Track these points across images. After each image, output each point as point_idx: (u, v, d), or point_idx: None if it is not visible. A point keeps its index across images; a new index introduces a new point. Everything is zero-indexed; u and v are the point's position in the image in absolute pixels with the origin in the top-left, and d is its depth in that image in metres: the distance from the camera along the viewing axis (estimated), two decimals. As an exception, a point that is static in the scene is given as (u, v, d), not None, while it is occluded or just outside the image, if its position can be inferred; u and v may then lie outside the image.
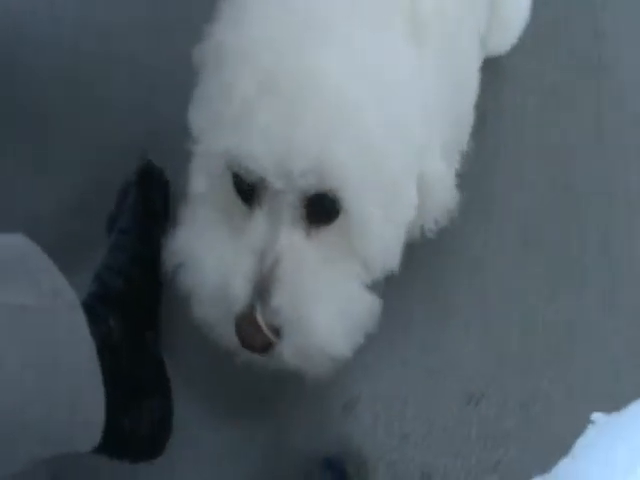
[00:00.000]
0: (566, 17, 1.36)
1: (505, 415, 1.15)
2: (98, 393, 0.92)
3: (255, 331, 0.71)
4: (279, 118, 0.66)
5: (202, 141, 0.74)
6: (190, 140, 0.74)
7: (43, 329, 0.83)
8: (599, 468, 0.50)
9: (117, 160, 1.28)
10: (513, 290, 1.21)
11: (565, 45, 1.35)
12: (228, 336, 0.75)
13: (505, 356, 1.17)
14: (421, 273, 1.21)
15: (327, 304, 0.73)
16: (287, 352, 0.73)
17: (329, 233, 0.73)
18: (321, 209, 0.71)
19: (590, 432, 0.56)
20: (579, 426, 0.56)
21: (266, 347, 0.72)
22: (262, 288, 0.70)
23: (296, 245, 0.71)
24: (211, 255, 0.75)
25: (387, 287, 1.20)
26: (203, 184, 0.76)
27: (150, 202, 1.21)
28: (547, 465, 0.55)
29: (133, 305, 1.10)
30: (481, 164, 1.26)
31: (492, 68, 1.21)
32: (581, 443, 0.55)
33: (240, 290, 0.71)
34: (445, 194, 0.82)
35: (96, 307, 1.04)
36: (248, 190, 0.72)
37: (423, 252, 1.22)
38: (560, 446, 0.55)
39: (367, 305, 0.77)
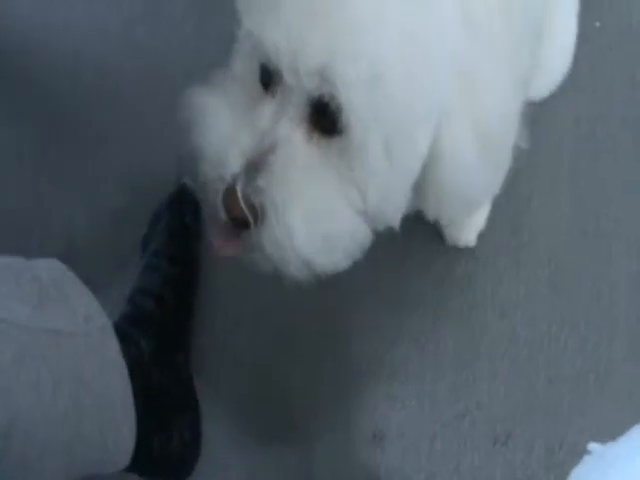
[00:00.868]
0: (603, 65, 1.38)
1: (531, 458, 1.14)
2: (129, 414, 0.94)
3: (233, 202, 0.72)
4: (300, 15, 0.68)
5: (241, 24, 0.76)
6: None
7: (76, 352, 0.86)
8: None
9: (151, 182, 1.31)
10: (541, 335, 1.20)
11: (602, 93, 1.36)
12: (216, 202, 0.75)
13: (532, 400, 1.17)
14: (451, 315, 1.23)
15: (309, 207, 0.72)
16: (263, 239, 0.73)
17: (330, 148, 0.73)
18: (324, 117, 0.71)
19: (586, 462, 0.57)
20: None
21: (242, 222, 0.72)
22: (252, 166, 0.72)
23: (294, 141, 0.72)
24: (220, 121, 0.76)
25: (418, 326, 1.23)
26: (238, 65, 0.78)
27: (182, 224, 1.24)
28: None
29: (164, 326, 1.13)
30: (513, 208, 1.28)
31: (527, 113, 1.23)
32: (577, 473, 0.56)
33: (233, 161, 0.72)
34: (463, 175, 0.78)
35: (128, 329, 1.07)
36: (269, 80, 0.74)
37: (453, 292, 1.25)
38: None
39: (353, 229, 0.75)
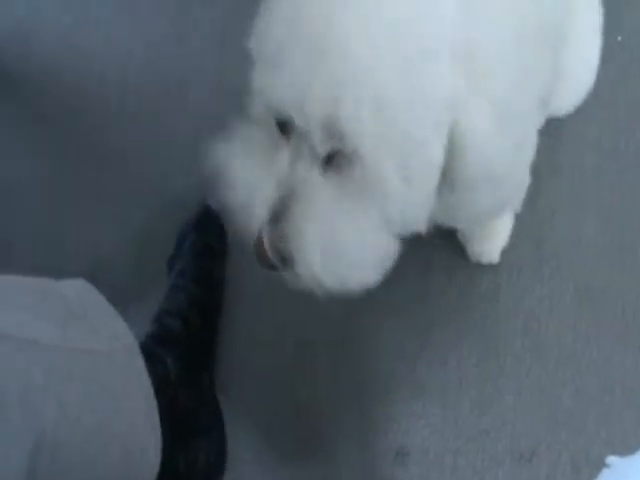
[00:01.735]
0: (626, 79, 1.37)
1: (556, 474, 1.13)
2: (155, 433, 0.95)
3: (262, 253, 0.76)
4: (302, 69, 0.69)
5: (253, 79, 0.78)
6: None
7: (102, 371, 0.87)
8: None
9: (176, 203, 1.33)
10: (567, 349, 1.20)
11: (624, 107, 1.36)
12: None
13: (557, 415, 1.17)
14: (475, 330, 1.23)
15: (333, 242, 0.75)
16: (295, 280, 0.77)
17: (347, 179, 0.74)
18: (337, 155, 0.73)
19: (604, 475, 0.58)
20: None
21: (272, 268, 0.77)
22: (275, 215, 0.75)
23: (311, 181, 0.74)
24: (242, 174, 0.79)
25: (441, 342, 1.23)
26: (255, 111, 0.80)
27: (208, 245, 1.26)
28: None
29: (190, 346, 1.14)
30: (537, 223, 1.28)
31: (550, 129, 1.23)
32: None
33: (258, 213, 0.76)
34: (487, 158, 0.77)
35: (154, 348, 1.08)
36: (284, 128, 0.76)
37: (476, 307, 1.25)
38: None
39: (380, 247, 0.77)
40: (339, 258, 0.75)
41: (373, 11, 0.70)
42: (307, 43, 0.70)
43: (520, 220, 1.24)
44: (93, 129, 1.43)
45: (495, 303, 1.25)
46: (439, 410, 1.19)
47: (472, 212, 0.91)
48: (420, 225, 0.80)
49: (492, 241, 1.24)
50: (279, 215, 0.75)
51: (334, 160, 0.74)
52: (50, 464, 0.75)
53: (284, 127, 0.76)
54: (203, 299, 1.20)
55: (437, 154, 0.75)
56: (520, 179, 0.99)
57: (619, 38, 1.39)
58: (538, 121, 1.05)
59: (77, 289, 0.94)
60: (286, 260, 0.76)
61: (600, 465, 1.12)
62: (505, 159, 0.80)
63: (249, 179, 0.78)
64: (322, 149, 0.73)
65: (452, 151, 0.75)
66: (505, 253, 1.25)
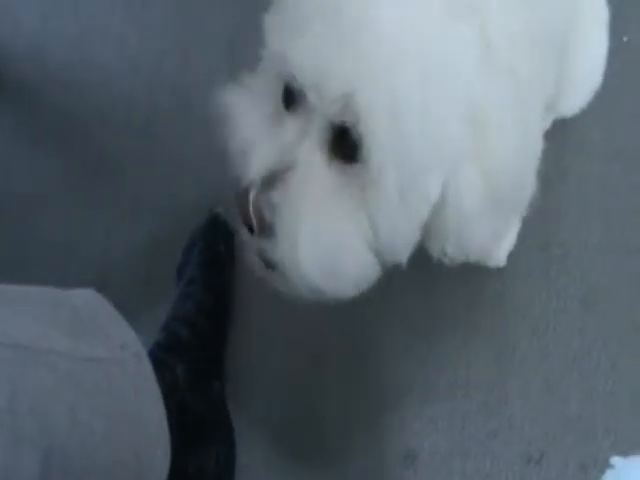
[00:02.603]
0: (631, 80, 1.37)
1: (565, 477, 1.14)
2: (164, 440, 0.96)
3: (244, 206, 0.73)
4: (327, 37, 0.68)
5: (266, 43, 0.77)
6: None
7: (111, 379, 0.88)
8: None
9: (184, 212, 1.35)
10: (574, 352, 1.20)
11: (630, 109, 1.36)
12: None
13: (566, 418, 1.17)
14: (482, 333, 1.23)
15: (319, 230, 0.73)
16: (269, 253, 0.74)
17: (347, 176, 0.73)
18: (345, 144, 0.72)
19: (607, 476, 0.58)
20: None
21: (249, 227, 0.73)
22: (268, 178, 0.72)
23: (313, 163, 0.73)
24: (247, 123, 0.77)
25: (449, 345, 1.24)
26: (262, 83, 0.79)
27: (216, 253, 1.26)
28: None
29: (198, 354, 1.16)
30: (543, 225, 1.28)
31: (555, 132, 1.23)
32: None
33: (252, 166, 0.73)
34: (466, 227, 0.77)
35: (162, 356, 1.10)
36: (291, 98, 0.75)
37: (484, 310, 1.26)
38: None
39: (361, 259, 0.75)
40: (322, 249, 0.73)
41: (415, 7, 0.69)
42: (336, 14, 0.68)
43: (526, 223, 1.24)
44: (102, 139, 1.45)
45: (502, 306, 1.25)
46: (447, 413, 1.20)
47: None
48: (402, 256, 0.79)
49: (498, 245, 1.25)
50: (273, 181, 0.72)
51: (339, 150, 0.73)
52: (61, 471, 0.77)
53: (291, 99, 0.75)
54: (211, 306, 1.21)
55: (432, 191, 0.74)
56: (527, 192, 0.98)
57: (625, 39, 1.39)
58: (543, 126, 1.05)
59: (87, 299, 0.96)
60: (265, 227, 0.73)
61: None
62: (487, 230, 0.79)
63: (251, 131, 0.76)
64: (331, 120, 0.71)
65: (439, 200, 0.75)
66: (512, 255, 1.25)
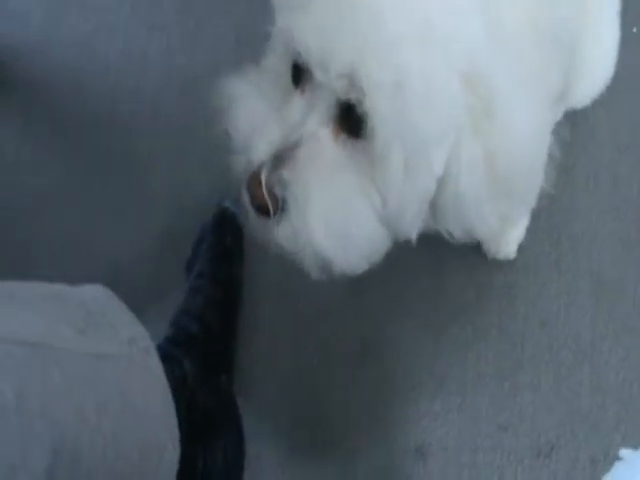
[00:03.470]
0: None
1: (575, 470, 1.14)
2: (173, 434, 0.96)
3: (256, 189, 0.73)
4: (331, 14, 0.69)
5: (275, 22, 0.78)
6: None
7: (120, 375, 0.88)
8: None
9: (193, 206, 1.35)
10: (584, 345, 1.20)
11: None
12: (242, 188, 0.77)
13: (576, 411, 1.17)
14: (492, 326, 1.23)
15: (329, 203, 0.74)
16: (282, 229, 0.75)
17: (355, 150, 0.74)
18: (351, 119, 0.72)
19: (616, 468, 0.58)
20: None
21: (263, 210, 0.74)
22: (278, 157, 0.73)
23: (321, 138, 0.74)
24: (250, 110, 0.78)
25: (459, 338, 1.24)
26: (270, 61, 0.80)
27: (225, 247, 1.27)
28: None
29: (207, 348, 1.16)
30: (553, 218, 1.28)
31: (565, 124, 1.22)
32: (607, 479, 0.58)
33: (260, 149, 0.74)
34: (465, 205, 0.77)
35: (171, 351, 1.10)
36: (299, 77, 0.76)
37: (493, 303, 1.26)
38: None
39: (371, 230, 0.76)
40: (334, 222, 0.74)
41: None
42: None
43: (536, 216, 1.24)
44: (109, 136, 1.45)
45: (512, 299, 1.25)
46: (457, 407, 1.20)
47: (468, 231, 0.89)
48: (411, 232, 0.79)
49: (508, 237, 1.24)
50: (282, 159, 0.73)
51: (346, 126, 0.73)
52: (69, 468, 0.77)
53: (299, 77, 0.75)
54: (220, 300, 1.21)
55: (436, 165, 0.74)
56: (533, 181, 0.97)
57: (634, 29, 1.38)
58: (553, 118, 1.05)
59: (96, 294, 0.96)
60: (278, 205, 0.74)
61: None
62: (484, 208, 0.78)
63: (255, 117, 0.77)
64: (338, 98, 0.72)
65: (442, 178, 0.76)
66: (521, 249, 1.25)
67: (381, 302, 1.26)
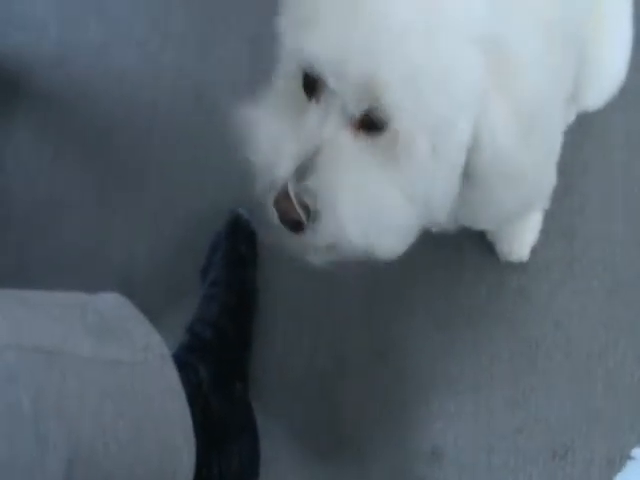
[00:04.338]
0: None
1: (591, 471, 1.13)
2: (189, 440, 0.97)
3: (287, 205, 0.74)
4: (339, 25, 0.71)
5: (283, 43, 0.79)
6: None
7: (136, 381, 0.90)
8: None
9: (207, 214, 1.36)
10: (599, 345, 1.20)
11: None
12: (270, 207, 0.78)
13: (591, 411, 1.16)
14: (505, 327, 1.23)
15: (359, 198, 0.74)
16: (316, 235, 0.76)
17: (376, 144, 0.75)
18: (367, 117, 0.73)
19: (628, 467, 0.58)
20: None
21: (296, 224, 0.75)
22: (301, 170, 0.74)
23: (339, 140, 0.75)
24: (267, 132, 0.79)
25: (472, 340, 1.24)
26: (281, 83, 0.81)
27: (239, 254, 1.28)
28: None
29: (222, 354, 1.17)
30: (566, 219, 1.28)
31: (578, 125, 1.22)
32: (619, 478, 0.58)
33: (282, 167, 0.75)
34: (502, 159, 0.78)
35: (187, 358, 1.11)
36: (312, 88, 0.77)
37: (507, 304, 1.26)
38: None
39: (403, 212, 0.77)
40: (370, 216, 0.75)
41: None
42: (346, 6, 0.71)
43: (549, 217, 1.24)
44: (124, 144, 1.47)
45: (526, 300, 1.25)
46: (472, 409, 1.20)
47: (496, 213, 0.91)
48: (442, 215, 0.80)
49: (521, 239, 1.24)
50: (305, 170, 0.74)
51: (365, 124, 0.74)
52: (85, 474, 0.78)
53: (313, 89, 0.76)
54: (235, 307, 1.22)
55: (464, 136, 0.75)
56: (546, 179, 0.98)
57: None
58: (565, 119, 1.05)
59: (111, 302, 0.97)
60: (311, 215, 0.75)
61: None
62: (523, 162, 0.80)
63: (275, 136, 0.78)
64: (355, 107, 0.73)
65: (474, 143, 0.76)
66: (535, 250, 1.25)
67: (394, 305, 1.27)
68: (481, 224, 1.05)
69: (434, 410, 1.21)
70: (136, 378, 0.90)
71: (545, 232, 1.25)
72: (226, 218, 1.32)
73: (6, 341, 0.75)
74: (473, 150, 0.77)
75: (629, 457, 0.64)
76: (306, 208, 0.75)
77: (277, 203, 0.76)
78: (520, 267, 1.26)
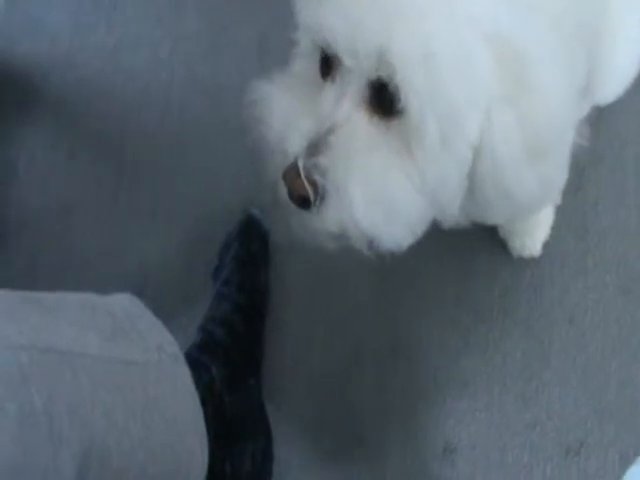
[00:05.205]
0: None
1: (605, 467, 1.13)
2: (201, 439, 0.98)
3: (295, 179, 0.74)
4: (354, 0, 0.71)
5: (298, 21, 0.80)
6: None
7: (148, 381, 0.90)
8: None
9: (220, 214, 1.37)
10: (612, 340, 1.19)
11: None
12: (279, 184, 0.78)
13: (605, 407, 1.16)
14: (518, 324, 1.23)
15: (370, 182, 0.74)
16: (325, 216, 0.75)
17: (390, 129, 0.75)
18: (383, 98, 0.73)
19: (635, 469, 0.58)
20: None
21: (303, 200, 0.75)
22: (313, 146, 0.74)
23: (354, 121, 0.75)
24: (282, 109, 0.79)
25: (485, 337, 1.24)
26: (297, 64, 0.82)
27: (251, 253, 1.28)
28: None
29: (235, 353, 1.17)
30: (578, 214, 1.27)
31: (589, 119, 1.21)
32: (629, 473, 0.58)
33: (294, 141, 0.75)
34: (503, 172, 0.77)
35: (199, 357, 1.11)
36: (328, 69, 0.77)
37: (520, 301, 1.25)
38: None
39: (413, 202, 0.76)
40: (378, 200, 0.74)
41: None
42: None
43: (562, 212, 1.23)
44: (137, 145, 1.48)
45: (539, 296, 1.25)
46: (485, 406, 1.20)
47: (504, 211, 0.91)
48: (451, 209, 0.80)
49: (533, 235, 1.24)
50: (317, 147, 0.74)
51: (379, 106, 0.74)
52: (99, 472, 0.79)
53: (328, 70, 0.77)
54: (247, 306, 1.22)
55: (471, 134, 0.75)
56: (554, 185, 0.97)
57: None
58: (577, 114, 1.04)
59: (124, 303, 0.98)
60: (318, 192, 0.74)
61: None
62: (525, 178, 0.79)
63: (289, 113, 0.78)
64: (369, 77, 0.73)
65: (478, 148, 0.76)
66: (547, 246, 1.25)
67: (407, 303, 1.27)
68: (491, 220, 1.04)
69: (447, 407, 1.21)
70: (148, 377, 0.91)
71: (557, 227, 1.25)
72: (238, 217, 1.32)
73: (20, 342, 0.75)
74: (477, 154, 0.77)
75: (634, 462, 0.63)
76: (314, 185, 0.74)
77: (286, 177, 0.76)
78: (533, 263, 1.26)
